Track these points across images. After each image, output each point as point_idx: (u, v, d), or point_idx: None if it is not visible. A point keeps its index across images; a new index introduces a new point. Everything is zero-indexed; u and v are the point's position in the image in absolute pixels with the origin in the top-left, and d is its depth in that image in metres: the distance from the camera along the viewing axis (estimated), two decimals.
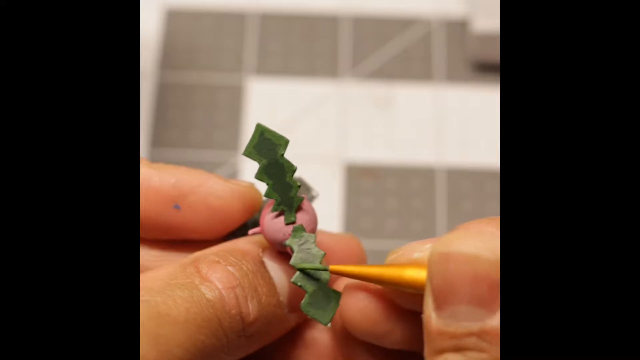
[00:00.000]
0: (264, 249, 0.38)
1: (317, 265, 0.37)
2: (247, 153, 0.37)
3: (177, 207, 0.38)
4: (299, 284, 0.36)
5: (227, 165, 0.61)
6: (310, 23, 0.66)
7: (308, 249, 0.37)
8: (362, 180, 0.60)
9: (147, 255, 0.40)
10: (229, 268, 0.37)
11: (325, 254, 0.37)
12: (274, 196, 0.37)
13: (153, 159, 0.61)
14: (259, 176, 0.37)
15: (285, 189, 0.37)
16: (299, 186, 0.37)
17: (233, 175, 0.61)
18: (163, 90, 0.63)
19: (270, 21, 0.66)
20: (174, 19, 0.66)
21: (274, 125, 0.62)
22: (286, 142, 0.37)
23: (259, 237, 0.39)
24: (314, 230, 0.38)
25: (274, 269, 0.38)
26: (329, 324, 0.37)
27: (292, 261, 0.37)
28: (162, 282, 0.36)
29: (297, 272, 0.37)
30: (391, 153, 0.61)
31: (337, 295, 0.36)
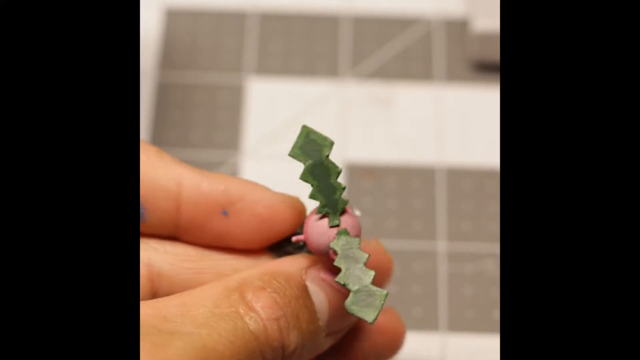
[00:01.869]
0: (307, 270, 0.38)
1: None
2: (293, 154, 0.37)
3: (225, 213, 0.39)
4: (342, 282, 0.36)
5: (227, 164, 0.61)
6: (310, 23, 0.66)
7: (352, 251, 0.36)
8: (362, 179, 0.60)
9: (184, 255, 0.40)
10: (273, 295, 0.36)
11: (369, 256, 0.36)
12: (318, 198, 0.37)
13: None
14: (304, 177, 0.37)
15: (330, 191, 0.37)
16: (344, 188, 0.37)
17: (233, 174, 0.61)
18: (163, 90, 0.63)
19: (270, 21, 0.66)
20: (174, 18, 0.66)
21: (274, 124, 0.62)
22: (331, 143, 0.37)
23: (303, 258, 0.39)
24: (358, 235, 0.37)
25: (316, 293, 0.38)
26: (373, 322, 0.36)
27: (335, 262, 0.36)
28: (205, 311, 0.35)
29: (341, 272, 0.36)
30: (391, 153, 0.61)
31: (382, 293, 0.36)
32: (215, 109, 0.63)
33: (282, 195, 0.39)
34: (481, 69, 0.64)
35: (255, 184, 0.39)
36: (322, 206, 0.37)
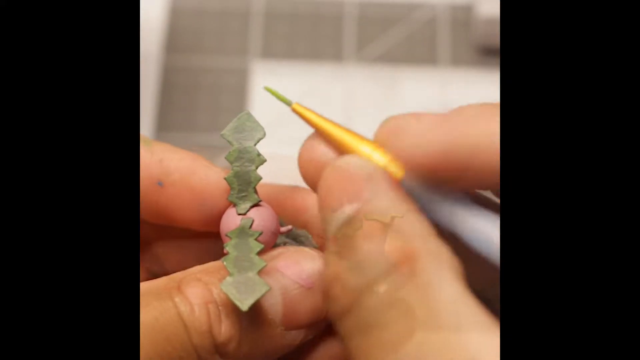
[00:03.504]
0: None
1: (281, 96, 0.37)
2: (225, 134, 0.37)
3: (160, 184, 0.38)
4: (225, 264, 0.35)
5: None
6: (315, 6, 0.66)
7: (246, 240, 0.36)
8: None
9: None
10: (208, 285, 0.36)
11: (263, 247, 0.36)
12: (233, 183, 0.37)
13: None
14: (229, 157, 0.37)
15: (246, 179, 0.37)
16: (259, 179, 0.37)
17: None
18: (169, 74, 0.63)
19: (276, 4, 0.66)
20: (179, 2, 0.66)
21: (279, 108, 0.62)
22: (264, 134, 0.37)
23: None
24: (268, 231, 0.37)
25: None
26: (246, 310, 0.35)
27: (225, 246, 0.36)
28: (143, 290, 0.35)
29: (229, 255, 0.36)
30: None
31: (263, 288, 0.34)
32: (220, 92, 0.63)
33: (219, 169, 0.39)
34: (486, 53, 0.64)
35: (197, 157, 0.39)
36: (234, 192, 0.37)
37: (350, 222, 0.32)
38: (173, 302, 0.35)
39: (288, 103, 0.37)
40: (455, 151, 0.33)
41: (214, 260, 0.41)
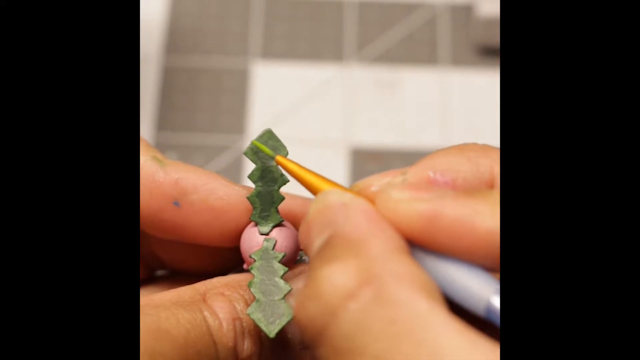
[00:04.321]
0: None
1: (266, 149, 0.36)
2: (247, 153, 0.37)
3: (176, 204, 0.38)
4: (251, 289, 0.36)
5: (232, 149, 0.61)
6: (315, 7, 0.66)
7: (270, 262, 0.36)
8: (367, 164, 0.60)
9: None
10: (233, 301, 0.36)
11: (287, 270, 0.36)
12: (256, 202, 0.37)
13: (158, 143, 0.61)
14: (252, 177, 0.37)
15: (268, 199, 0.37)
16: (283, 199, 0.37)
17: (238, 158, 0.61)
18: (168, 74, 0.63)
19: (276, 4, 0.66)
20: (179, 2, 0.66)
21: (280, 109, 0.62)
22: (286, 153, 0.37)
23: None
24: (290, 252, 0.37)
25: None
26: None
27: (249, 268, 0.36)
28: (168, 302, 0.35)
29: (254, 279, 0.36)
30: (397, 137, 0.61)
31: (289, 312, 0.35)
32: (220, 92, 0.63)
33: (239, 187, 0.38)
34: (486, 53, 0.64)
35: (213, 175, 0.38)
36: (256, 212, 0.37)
37: (321, 249, 0.32)
38: (202, 315, 0.35)
39: (272, 156, 0.37)
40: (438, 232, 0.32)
41: (212, 255, 0.41)
